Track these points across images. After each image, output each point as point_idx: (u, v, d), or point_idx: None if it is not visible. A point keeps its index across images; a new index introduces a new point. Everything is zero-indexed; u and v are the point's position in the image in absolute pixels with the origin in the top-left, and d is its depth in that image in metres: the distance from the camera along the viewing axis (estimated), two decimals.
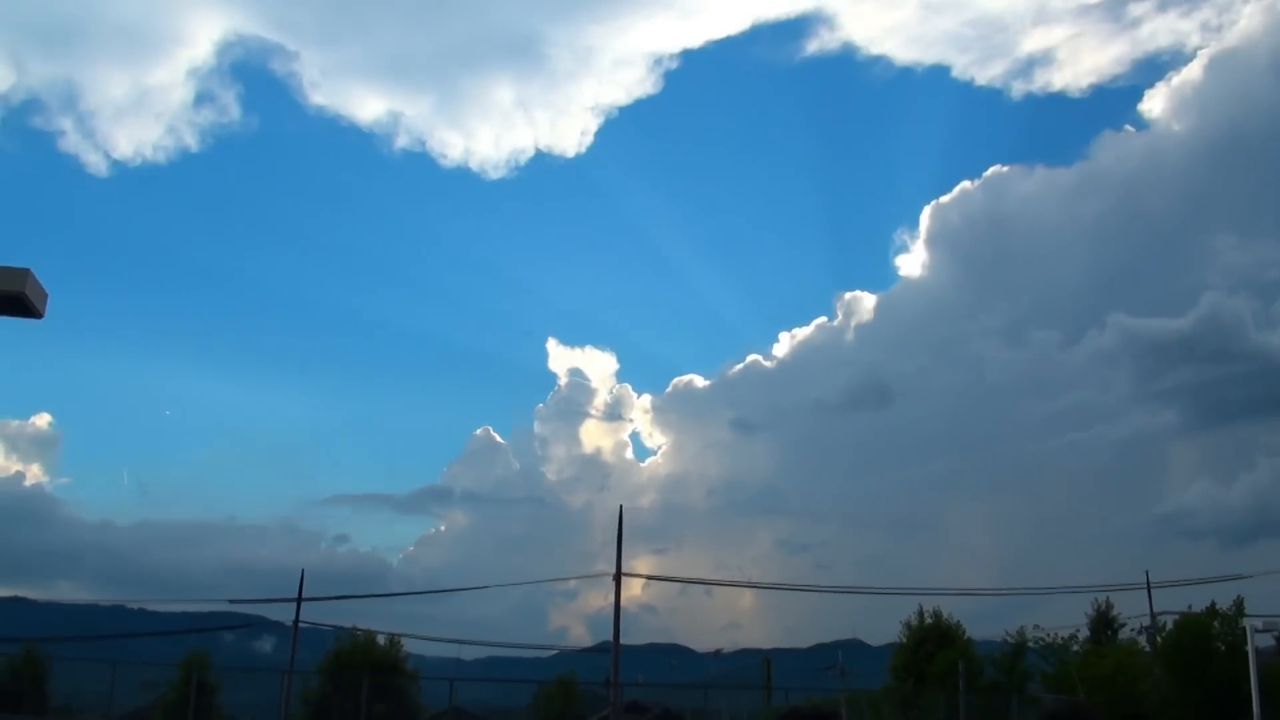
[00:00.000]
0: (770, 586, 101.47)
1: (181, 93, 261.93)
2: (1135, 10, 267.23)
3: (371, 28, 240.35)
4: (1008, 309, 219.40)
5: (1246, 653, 33.27)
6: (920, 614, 46.91)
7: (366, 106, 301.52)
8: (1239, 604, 34.10)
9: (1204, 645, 33.50)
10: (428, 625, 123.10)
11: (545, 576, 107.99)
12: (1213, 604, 35.06)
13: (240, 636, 76.63)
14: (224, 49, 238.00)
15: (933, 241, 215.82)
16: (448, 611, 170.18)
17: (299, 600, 42.15)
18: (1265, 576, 47.40)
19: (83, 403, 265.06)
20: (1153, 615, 44.37)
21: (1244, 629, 33.26)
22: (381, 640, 44.62)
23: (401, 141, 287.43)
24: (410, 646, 45.82)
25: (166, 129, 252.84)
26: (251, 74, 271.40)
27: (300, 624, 42.24)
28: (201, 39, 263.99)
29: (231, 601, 53.66)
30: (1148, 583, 47.75)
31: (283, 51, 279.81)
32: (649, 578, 49.38)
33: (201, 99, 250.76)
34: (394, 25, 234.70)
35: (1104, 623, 45.47)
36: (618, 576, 39.57)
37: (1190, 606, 36.29)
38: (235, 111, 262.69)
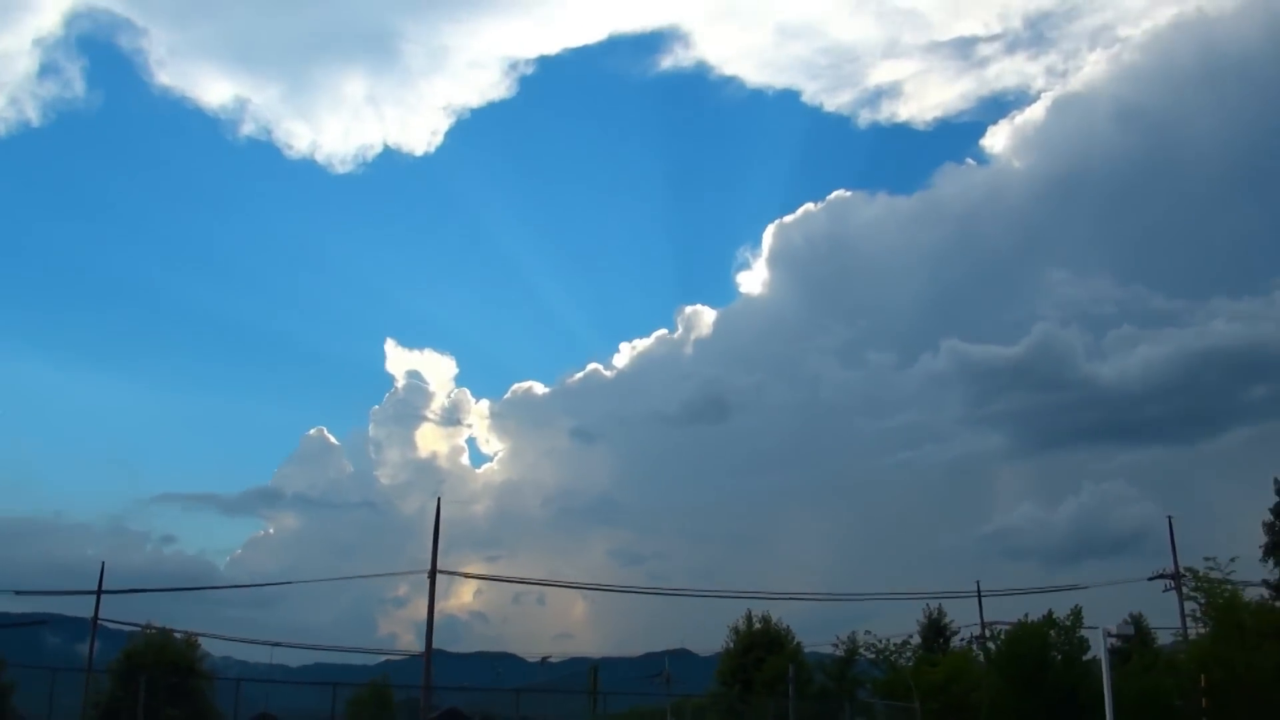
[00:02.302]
0: (590, 587, 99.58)
1: (26, 62, 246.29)
2: (984, 50, 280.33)
3: (223, 9, 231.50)
4: (845, 330, 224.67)
5: (1083, 662, 32.85)
6: (749, 619, 45.44)
7: (213, 90, 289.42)
8: (1077, 613, 33.64)
9: (1040, 654, 32.78)
10: (253, 631, 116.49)
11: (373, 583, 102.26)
12: (1050, 613, 34.46)
13: (66, 639, 71.11)
14: (72, 20, 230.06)
15: (774, 260, 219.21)
16: (275, 617, 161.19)
17: (98, 594, 39.93)
18: (1097, 589, 48.10)
19: None
20: (983, 624, 44.04)
21: (1081, 639, 32.84)
22: (179, 638, 41.45)
23: (247, 129, 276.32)
24: (233, 652, 42.48)
25: (9, 100, 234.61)
26: (98, 48, 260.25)
27: (108, 623, 40.66)
28: (49, 8, 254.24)
29: (18, 593, 48.66)
30: (978, 591, 47.60)
31: (131, 27, 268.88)
32: (466, 575, 46.65)
33: (46, 70, 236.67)
34: (246, 8, 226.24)
35: (936, 630, 44.92)
36: (432, 574, 36.67)
37: (1026, 615, 35.65)
38: (79, 86, 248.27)
